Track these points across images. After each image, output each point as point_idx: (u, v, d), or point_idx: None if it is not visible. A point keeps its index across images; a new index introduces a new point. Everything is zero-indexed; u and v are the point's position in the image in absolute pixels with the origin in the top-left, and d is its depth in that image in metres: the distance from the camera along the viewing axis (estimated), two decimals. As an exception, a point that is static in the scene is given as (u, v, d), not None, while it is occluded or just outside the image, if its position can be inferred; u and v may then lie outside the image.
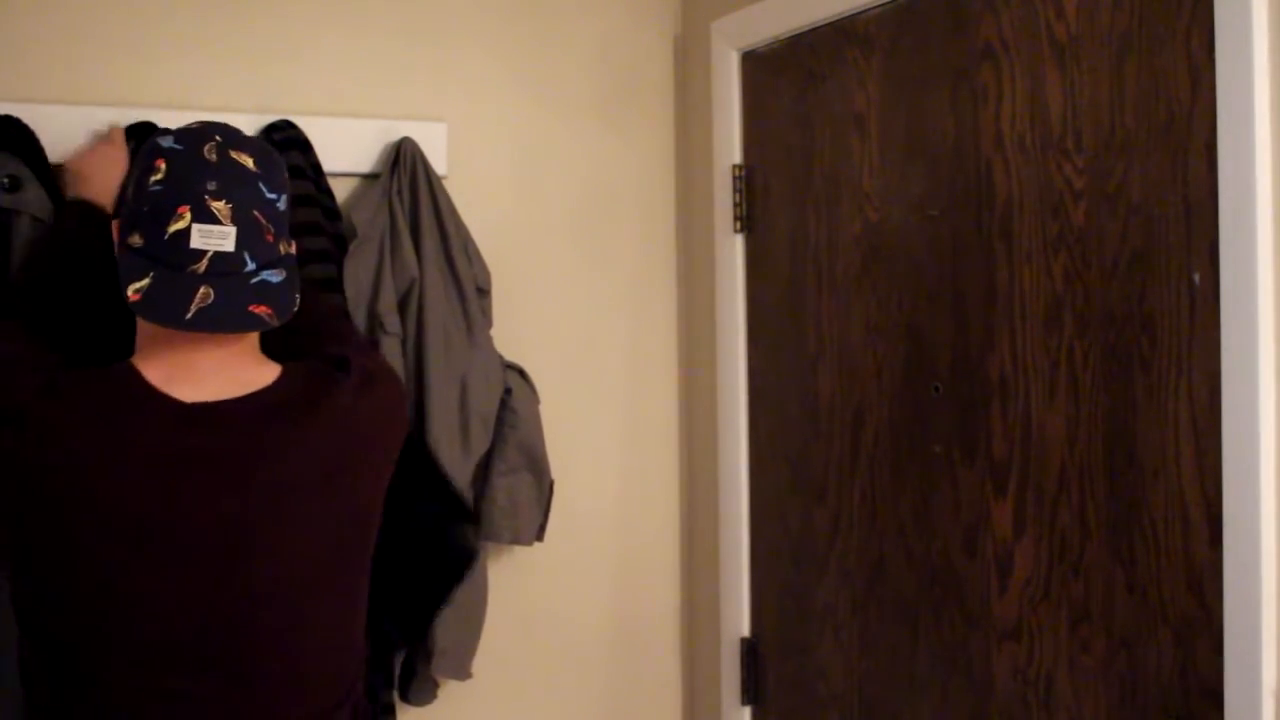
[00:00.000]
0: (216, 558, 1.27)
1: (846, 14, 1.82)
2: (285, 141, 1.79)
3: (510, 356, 2.00)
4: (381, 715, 1.85)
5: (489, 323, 1.96)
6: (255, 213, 1.29)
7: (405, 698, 1.91)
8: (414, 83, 2.01)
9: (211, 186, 1.27)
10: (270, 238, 1.31)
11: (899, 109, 1.74)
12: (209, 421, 1.28)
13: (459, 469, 1.87)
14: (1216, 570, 1.31)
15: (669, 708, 2.28)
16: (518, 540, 1.95)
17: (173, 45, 1.83)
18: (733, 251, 2.08)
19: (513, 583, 2.10)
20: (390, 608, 1.75)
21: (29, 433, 1.22)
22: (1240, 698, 1.28)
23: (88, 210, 1.53)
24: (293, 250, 1.38)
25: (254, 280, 1.29)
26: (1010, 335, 1.57)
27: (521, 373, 1.98)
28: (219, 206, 1.27)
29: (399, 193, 1.87)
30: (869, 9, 1.78)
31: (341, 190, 1.91)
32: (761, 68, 2.03)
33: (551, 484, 1.99)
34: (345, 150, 1.90)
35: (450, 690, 2.01)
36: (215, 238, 1.26)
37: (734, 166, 2.07)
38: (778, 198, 2.00)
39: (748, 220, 2.07)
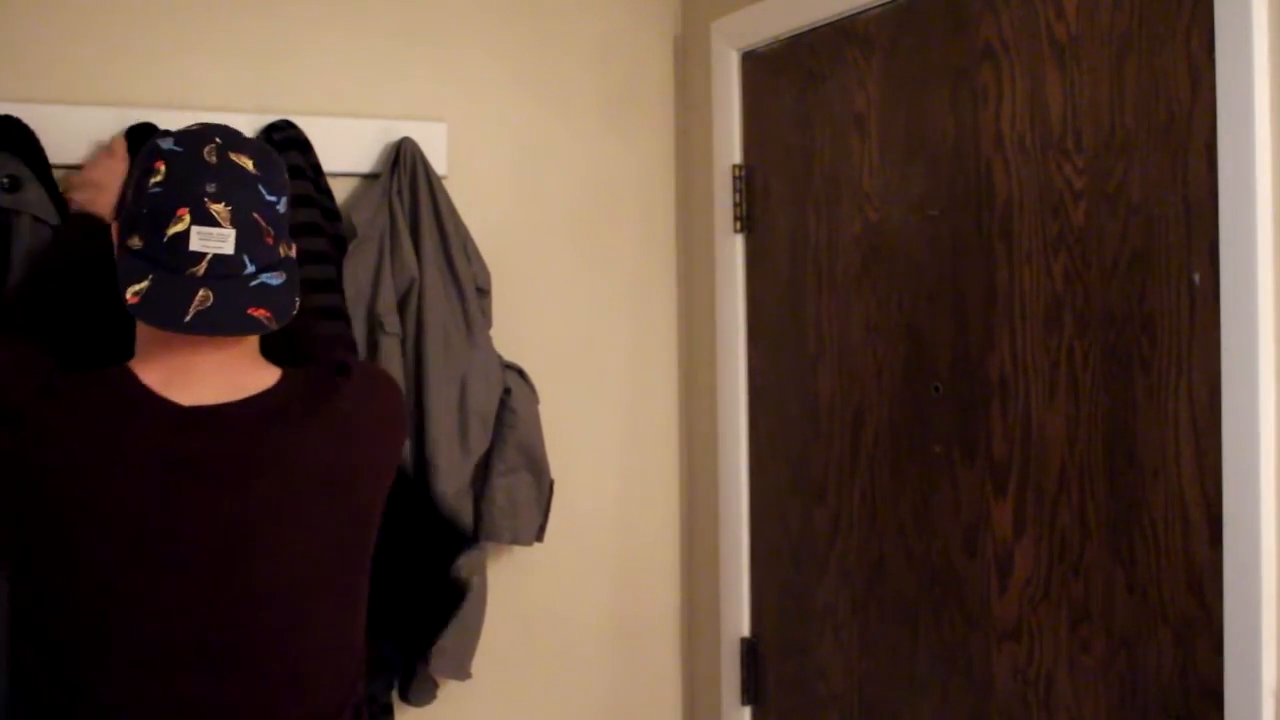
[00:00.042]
0: (216, 558, 1.27)
1: (846, 14, 1.82)
2: (285, 141, 1.79)
3: (510, 356, 2.00)
4: (380, 716, 1.85)
5: (488, 323, 1.96)
6: (255, 215, 1.29)
7: (405, 698, 1.91)
8: (414, 83, 2.01)
9: (211, 189, 1.27)
10: (270, 240, 1.31)
11: (899, 109, 1.74)
12: (208, 425, 1.28)
13: (458, 469, 1.87)
14: (1216, 570, 1.31)
15: (669, 708, 2.28)
16: (517, 540, 1.95)
17: (173, 45, 1.83)
18: (733, 251, 2.08)
19: (513, 583, 2.10)
20: (386, 633, 1.76)
21: (25, 434, 1.22)
22: (1240, 698, 1.29)
23: (90, 222, 1.53)
24: (293, 253, 1.37)
25: (253, 283, 1.29)
26: (1010, 335, 1.57)
27: (521, 373, 1.98)
28: (218, 209, 1.27)
29: (399, 193, 1.87)
30: (869, 9, 1.78)
31: (341, 190, 1.91)
32: (761, 68, 2.03)
33: (551, 484, 1.99)
34: (345, 150, 1.90)
35: (450, 690, 2.01)
36: (214, 240, 1.26)
37: (734, 166, 2.07)
38: (778, 198, 2.00)
39: (748, 220, 2.07)
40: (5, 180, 1.58)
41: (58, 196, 1.63)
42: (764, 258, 2.03)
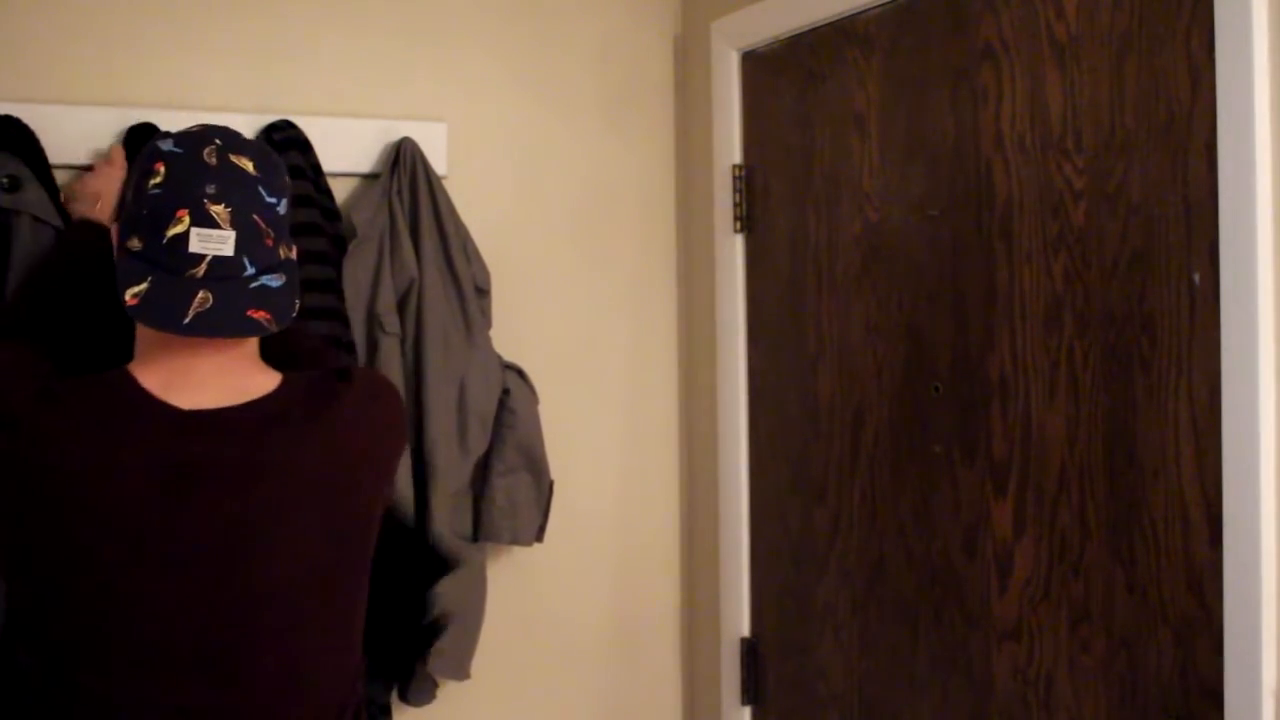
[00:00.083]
0: (216, 559, 1.27)
1: (846, 14, 1.82)
2: (285, 142, 1.79)
3: (510, 356, 2.00)
4: (380, 716, 1.85)
5: (488, 323, 1.96)
6: (255, 217, 1.29)
7: (404, 698, 1.91)
8: (414, 83, 2.01)
9: (211, 190, 1.27)
10: (270, 242, 1.31)
11: (899, 109, 1.74)
12: (209, 430, 1.27)
13: (457, 469, 1.87)
14: (1216, 570, 1.31)
15: (669, 708, 2.28)
16: (517, 540, 1.95)
17: (172, 45, 1.83)
18: (733, 251, 2.08)
19: (513, 583, 2.10)
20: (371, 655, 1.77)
21: (23, 437, 1.22)
22: (1240, 698, 1.29)
23: (91, 229, 1.53)
24: (293, 255, 1.37)
25: (253, 285, 1.29)
26: (1010, 335, 1.57)
27: (520, 373, 1.98)
28: (218, 210, 1.26)
29: (399, 193, 1.87)
30: (869, 9, 1.78)
31: (341, 190, 1.91)
32: (761, 68, 2.03)
33: (551, 484, 1.99)
34: (345, 150, 1.90)
35: (449, 690, 2.01)
36: (214, 242, 1.26)
37: (734, 166, 2.07)
38: (778, 198, 2.00)
39: (748, 220, 2.07)
40: (5, 180, 1.58)
41: (57, 197, 1.63)
42: (764, 258, 2.03)
